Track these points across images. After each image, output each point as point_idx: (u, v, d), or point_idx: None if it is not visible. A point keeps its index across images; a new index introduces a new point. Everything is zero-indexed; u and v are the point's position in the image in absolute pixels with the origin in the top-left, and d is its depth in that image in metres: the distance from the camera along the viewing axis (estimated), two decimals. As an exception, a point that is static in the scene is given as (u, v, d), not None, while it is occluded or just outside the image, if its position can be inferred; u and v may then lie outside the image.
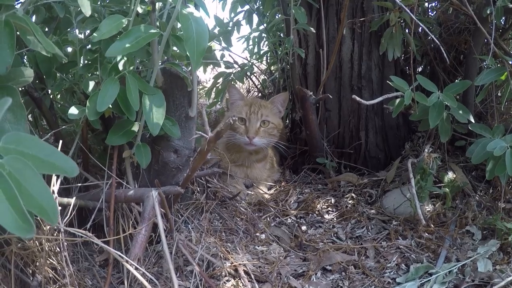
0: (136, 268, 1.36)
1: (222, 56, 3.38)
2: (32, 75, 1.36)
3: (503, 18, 2.33)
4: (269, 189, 2.57)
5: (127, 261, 1.35)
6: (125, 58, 1.62)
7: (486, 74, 1.93)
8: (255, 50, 3.71)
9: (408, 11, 1.81)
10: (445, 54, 1.80)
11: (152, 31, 1.43)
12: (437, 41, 1.80)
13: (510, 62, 1.95)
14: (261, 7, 3.35)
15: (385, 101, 2.17)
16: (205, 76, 4.54)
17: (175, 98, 1.76)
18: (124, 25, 1.47)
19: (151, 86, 1.60)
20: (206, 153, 1.65)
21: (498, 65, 2.02)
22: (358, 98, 2.03)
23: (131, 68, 1.60)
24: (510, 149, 1.71)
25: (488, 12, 2.00)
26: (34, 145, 0.83)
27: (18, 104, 1.21)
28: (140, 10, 1.58)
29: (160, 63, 1.64)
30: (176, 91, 1.75)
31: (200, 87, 4.12)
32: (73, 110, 1.58)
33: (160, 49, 1.56)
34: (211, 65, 3.31)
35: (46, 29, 1.81)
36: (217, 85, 3.36)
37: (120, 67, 1.60)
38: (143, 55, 1.65)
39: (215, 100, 3.36)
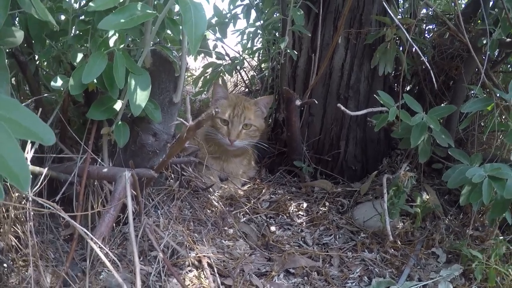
0: (100, 247, 1.34)
1: (215, 46, 3.36)
2: (21, 38, 1.33)
3: (497, 50, 2.35)
4: (243, 185, 2.57)
5: (91, 239, 1.33)
6: (117, 35, 1.60)
7: (473, 102, 1.94)
8: (249, 45, 3.70)
9: (405, 30, 1.82)
10: (434, 79, 1.81)
11: (149, 11, 1.41)
12: (428, 65, 1.82)
13: (498, 95, 1.97)
14: (260, 3, 3.33)
15: (369, 114, 2.17)
16: (195, 64, 4.52)
17: (161, 82, 1.74)
18: (121, 0, 1.45)
19: (139, 67, 1.57)
20: (184, 141, 1.63)
21: (485, 95, 2.04)
22: (343, 108, 2.02)
23: (122, 45, 1.57)
24: (488, 178, 1.73)
25: (484, 42, 2.02)
26: (14, 109, 0.81)
27: (2, 66, 1.18)
28: (138, -13, 1.56)
29: (151, 44, 1.62)
30: (163, 75, 1.73)
31: (188, 74, 4.10)
32: (57, 81, 1.56)
33: (154, 30, 1.53)
34: (202, 53, 3.28)
35: (41, -7, 1.77)
36: (206, 75, 3.33)
37: (111, 43, 1.57)
38: (136, 33, 1.62)
39: (201, 89, 3.34)
